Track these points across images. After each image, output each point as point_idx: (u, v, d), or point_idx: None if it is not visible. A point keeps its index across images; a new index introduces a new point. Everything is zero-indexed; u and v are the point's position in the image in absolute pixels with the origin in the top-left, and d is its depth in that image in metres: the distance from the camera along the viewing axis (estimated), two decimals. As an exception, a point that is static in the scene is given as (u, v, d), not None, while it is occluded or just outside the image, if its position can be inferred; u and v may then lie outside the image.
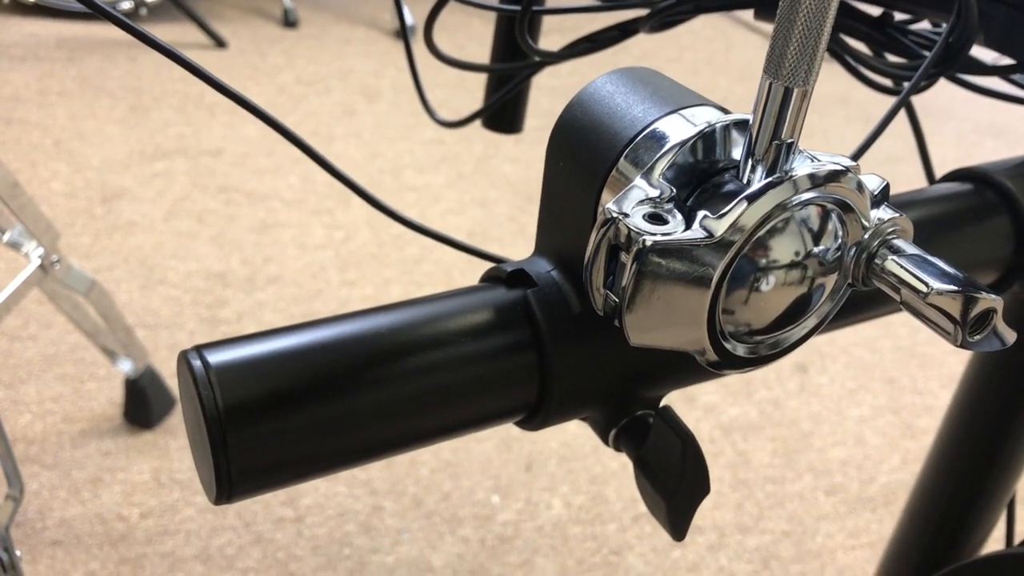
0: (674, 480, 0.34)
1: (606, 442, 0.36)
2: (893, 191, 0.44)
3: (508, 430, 1.27)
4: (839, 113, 2.38)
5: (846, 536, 1.22)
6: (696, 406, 1.38)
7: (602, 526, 1.18)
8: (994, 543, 0.60)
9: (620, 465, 1.26)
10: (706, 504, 1.23)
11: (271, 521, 1.13)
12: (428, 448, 1.24)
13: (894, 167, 2.02)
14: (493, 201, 1.83)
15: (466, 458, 1.24)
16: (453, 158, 1.96)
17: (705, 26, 2.88)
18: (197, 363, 0.28)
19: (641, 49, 2.61)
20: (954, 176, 0.46)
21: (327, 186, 1.79)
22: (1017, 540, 0.59)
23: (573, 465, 1.26)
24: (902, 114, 0.56)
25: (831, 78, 0.51)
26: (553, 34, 0.66)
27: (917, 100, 0.57)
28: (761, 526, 1.21)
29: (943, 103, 2.53)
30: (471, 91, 2.20)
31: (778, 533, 1.20)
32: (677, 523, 0.34)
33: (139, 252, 1.55)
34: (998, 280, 0.45)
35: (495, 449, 1.26)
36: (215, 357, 0.28)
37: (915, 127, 0.54)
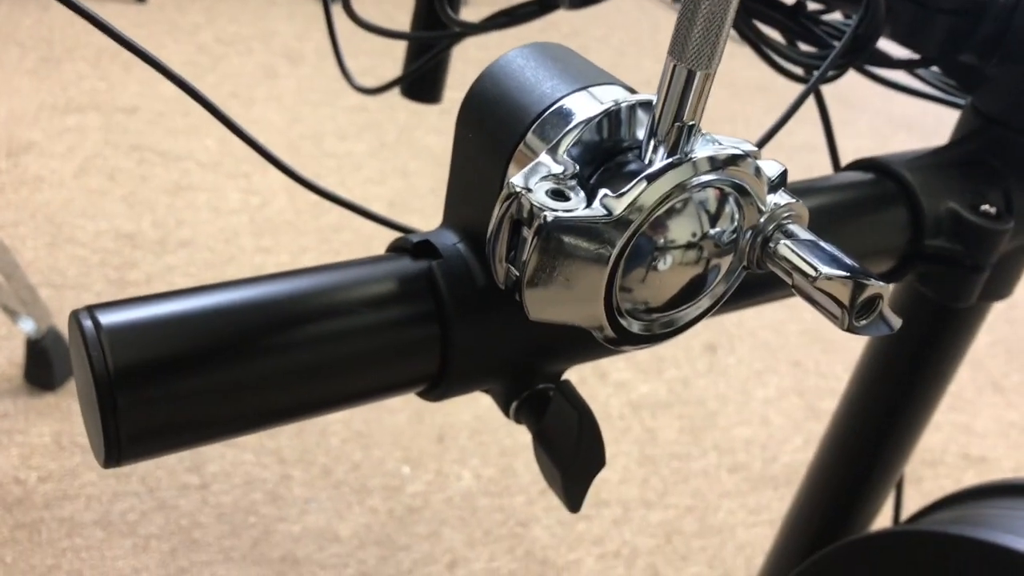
0: (571, 453, 0.34)
1: (507, 414, 0.36)
2: (807, 177, 0.45)
3: (421, 401, 1.27)
4: (760, 101, 2.42)
5: (747, 513, 1.25)
6: (608, 383, 1.40)
7: (510, 498, 1.19)
8: (883, 521, 0.62)
9: (531, 439, 1.27)
10: (612, 478, 1.25)
11: (175, 487, 1.11)
12: (339, 418, 1.24)
13: (810, 155, 2.06)
14: (415, 172, 1.81)
15: (378, 429, 1.24)
16: (376, 126, 1.94)
17: (633, 7, 2.90)
18: (88, 323, 0.27)
19: (570, 27, 2.61)
20: (857, 165, 0.48)
21: (244, 149, 1.74)
22: (903, 518, 0.62)
23: (484, 438, 1.26)
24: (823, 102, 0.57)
25: (753, 66, 0.52)
26: (484, 6, 0.65)
27: (833, 90, 0.58)
28: (665, 501, 1.23)
29: (860, 95, 2.59)
30: (397, 59, 2.17)
31: (682, 508, 1.23)
32: (573, 495, 0.35)
33: (46, 209, 1.50)
34: (894, 268, 0.46)
35: (407, 421, 1.26)
36: (107, 318, 0.27)
37: (823, 115, 0.56)
